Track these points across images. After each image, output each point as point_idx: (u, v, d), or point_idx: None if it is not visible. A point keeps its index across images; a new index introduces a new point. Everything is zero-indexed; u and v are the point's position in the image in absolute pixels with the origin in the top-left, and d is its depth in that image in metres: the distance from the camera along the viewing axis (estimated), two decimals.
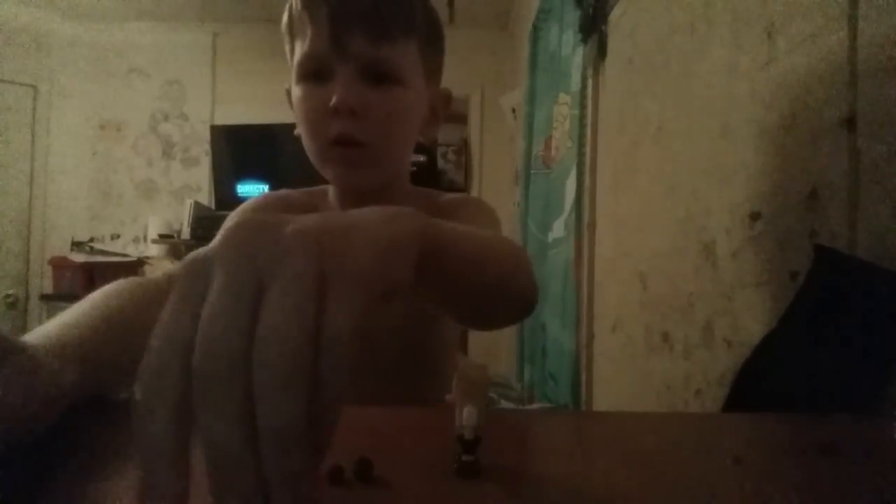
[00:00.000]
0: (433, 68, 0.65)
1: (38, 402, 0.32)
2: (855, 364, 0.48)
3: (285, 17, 0.61)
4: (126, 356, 0.40)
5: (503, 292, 0.42)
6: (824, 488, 0.28)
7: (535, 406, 1.83)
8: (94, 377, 0.38)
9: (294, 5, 0.59)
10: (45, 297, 3.34)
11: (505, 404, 1.86)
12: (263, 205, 0.67)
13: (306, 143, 0.61)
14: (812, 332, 0.53)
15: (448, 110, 0.69)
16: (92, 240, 3.57)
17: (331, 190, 0.69)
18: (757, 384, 0.58)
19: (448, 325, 0.70)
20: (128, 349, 0.41)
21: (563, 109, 1.84)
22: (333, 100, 0.55)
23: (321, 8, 0.56)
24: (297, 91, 0.60)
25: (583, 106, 1.61)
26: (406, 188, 0.70)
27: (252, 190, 3.47)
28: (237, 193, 3.41)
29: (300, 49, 0.59)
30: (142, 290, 0.49)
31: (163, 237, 3.38)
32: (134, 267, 3.44)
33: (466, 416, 0.26)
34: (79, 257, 3.31)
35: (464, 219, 0.65)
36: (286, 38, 0.62)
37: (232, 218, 0.64)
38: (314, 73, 0.58)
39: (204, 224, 3.20)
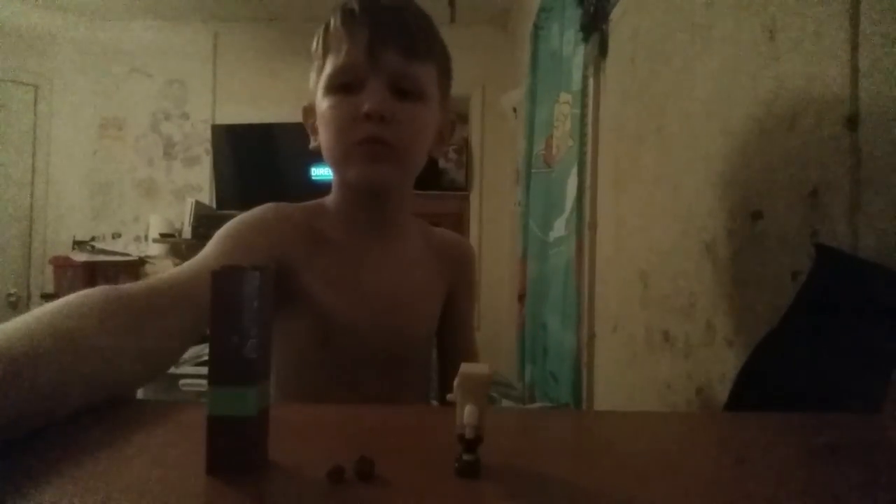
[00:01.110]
0: (445, 95, 0.72)
1: None
2: (856, 364, 0.48)
3: (318, 39, 0.67)
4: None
5: None
6: (825, 488, 0.28)
7: (536, 405, 1.83)
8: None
9: (332, 24, 0.65)
10: (46, 297, 3.35)
11: (506, 403, 1.86)
12: (263, 217, 0.66)
13: (330, 146, 0.66)
14: (813, 332, 0.53)
15: (452, 137, 0.78)
16: (93, 239, 3.58)
17: (330, 202, 0.72)
18: (758, 384, 0.58)
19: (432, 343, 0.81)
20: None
21: (564, 108, 1.84)
22: (366, 107, 0.61)
23: (359, 24, 0.62)
24: (325, 102, 0.65)
25: (584, 105, 1.60)
26: (407, 212, 0.75)
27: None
28: (252, 189, 3.35)
29: (333, 62, 0.64)
30: (113, 306, 0.42)
31: (164, 236, 3.39)
32: (135, 266, 3.45)
33: (468, 415, 0.26)
34: (80, 256, 3.32)
35: (459, 274, 0.82)
36: (316, 57, 0.68)
37: (230, 225, 0.64)
38: (345, 85, 0.63)
39: (205, 223, 3.20)
